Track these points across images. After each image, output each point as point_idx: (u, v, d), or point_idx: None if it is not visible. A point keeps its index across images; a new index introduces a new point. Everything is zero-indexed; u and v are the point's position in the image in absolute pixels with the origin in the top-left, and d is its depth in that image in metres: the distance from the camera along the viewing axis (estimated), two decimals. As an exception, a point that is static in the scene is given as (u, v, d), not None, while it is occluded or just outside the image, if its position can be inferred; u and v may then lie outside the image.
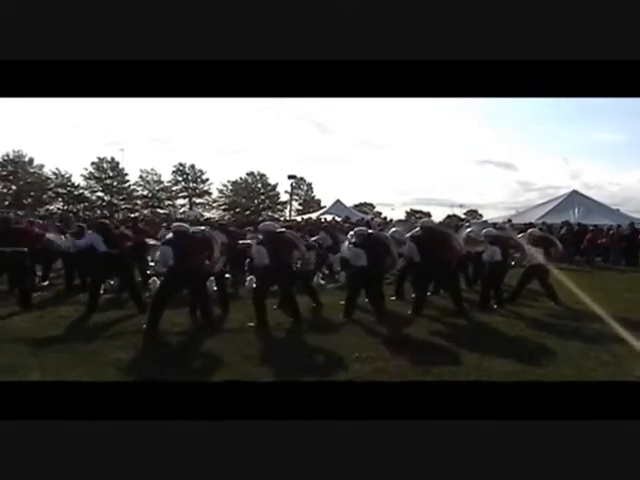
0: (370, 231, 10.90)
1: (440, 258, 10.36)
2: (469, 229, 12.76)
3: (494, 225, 17.71)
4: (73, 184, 66.38)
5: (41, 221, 17.48)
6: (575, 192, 33.77)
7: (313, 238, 14.24)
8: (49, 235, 11.75)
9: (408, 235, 11.38)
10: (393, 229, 12.58)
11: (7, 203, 58.76)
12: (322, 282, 14.23)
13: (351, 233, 11.14)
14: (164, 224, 18.08)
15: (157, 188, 68.59)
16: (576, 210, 31.21)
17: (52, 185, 65.42)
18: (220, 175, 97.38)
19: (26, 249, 10.40)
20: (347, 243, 10.55)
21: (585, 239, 23.60)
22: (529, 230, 13.07)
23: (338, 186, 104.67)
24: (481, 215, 68.49)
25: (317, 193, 76.88)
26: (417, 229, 11.35)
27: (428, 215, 63.50)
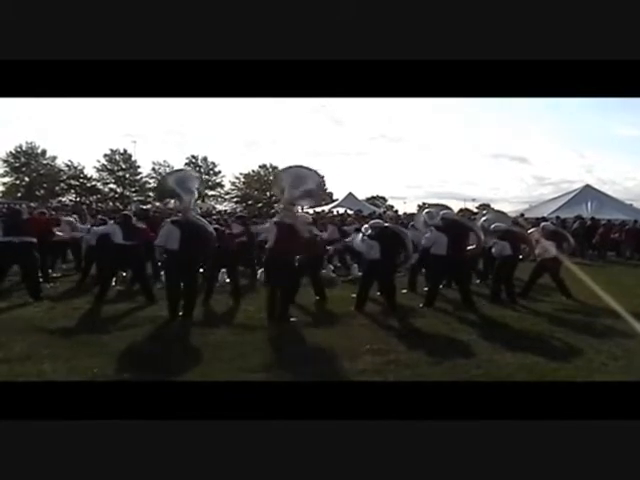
0: (386, 224, 10.88)
1: (460, 250, 10.39)
2: (483, 218, 12.60)
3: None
4: (86, 176, 66.69)
5: (54, 212, 17.51)
6: (588, 186, 33.66)
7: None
8: (67, 219, 11.80)
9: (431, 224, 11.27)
10: (426, 211, 12.46)
11: (20, 195, 59.10)
12: (333, 275, 14.23)
13: (365, 226, 11.12)
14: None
15: (169, 180, 68.47)
16: (589, 204, 31.11)
17: (65, 177, 65.73)
18: (234, 168, 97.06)
19: (34, 240, 10.44)
20: (360, 235, 10.51)
21: (597, 233, 23.51)
22: (542, 224, 13.04)
23: (350, 179, 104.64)
24: (493, 209, 67.96)
25: (329, 186, 76.85)
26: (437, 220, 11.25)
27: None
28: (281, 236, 8.84)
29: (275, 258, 8.92)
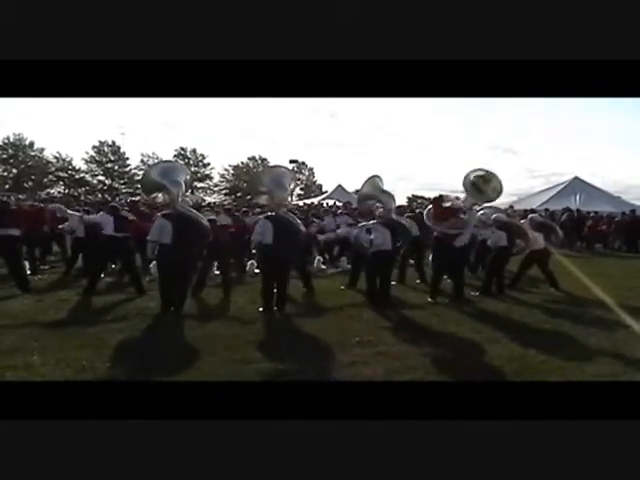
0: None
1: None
2: (481, 212, 12.54)
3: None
4: (74, 168, 66.39)
5: (42, 204, 17.35)
6: (576, 178, 33.71)
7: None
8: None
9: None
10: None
11: (7, 187, 58.76)
12: (323, 267, 14.24)
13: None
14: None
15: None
16: (577, 196, 31.22)
17: (53, 169, 65.41)
18: (227, 160, 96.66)
19: (18, 233, 10.37)
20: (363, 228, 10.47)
21: (586, 226, 23.66)
22: (529, 216, 13.06)
23: (341, 172, 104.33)
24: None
25: (319, 178, 76.84)
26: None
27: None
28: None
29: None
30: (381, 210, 10.09)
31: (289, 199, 10.72)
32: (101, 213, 11.39)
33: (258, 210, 16.95)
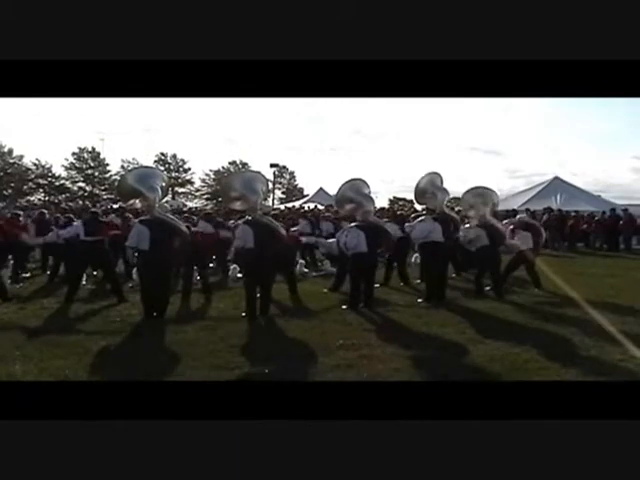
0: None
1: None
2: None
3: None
4: (54, 174, 65.95)
5: (22, 211, 17.14)
6: (557, 178, 33.83)
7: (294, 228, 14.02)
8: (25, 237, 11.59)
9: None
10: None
11: (-13, 194, 58.28)
12: (306, 270, 14.21)
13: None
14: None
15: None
16: (558, 196, 31.33)
17: (32, 176, 64.93)
18: (206, 165, 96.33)
19: None
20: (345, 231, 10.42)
21: (568, 225, 23.81)
22: (518, 216, 13.15)
23: (322, 175, 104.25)
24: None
25: (300, 182, 76.82)
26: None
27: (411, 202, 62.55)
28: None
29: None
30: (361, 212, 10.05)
31: (270, 203, 10.70)
32: (75, 224, 11.27)
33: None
